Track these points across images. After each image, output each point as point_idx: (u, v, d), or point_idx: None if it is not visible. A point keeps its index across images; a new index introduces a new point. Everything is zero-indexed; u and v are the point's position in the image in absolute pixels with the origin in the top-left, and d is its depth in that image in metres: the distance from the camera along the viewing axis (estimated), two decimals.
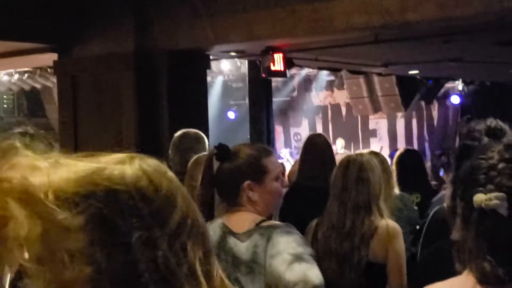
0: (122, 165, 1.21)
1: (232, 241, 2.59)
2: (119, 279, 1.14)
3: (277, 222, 2.69)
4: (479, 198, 1.62)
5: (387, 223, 3.52)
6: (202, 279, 1.20)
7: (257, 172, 2.66)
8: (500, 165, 1.66)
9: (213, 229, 2.62)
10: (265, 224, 2.59)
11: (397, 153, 5.49)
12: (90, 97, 7.01)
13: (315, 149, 4.63)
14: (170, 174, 1.25)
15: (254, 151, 2.70)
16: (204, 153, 3.80)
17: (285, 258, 2.45)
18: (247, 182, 2.63)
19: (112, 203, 1.15)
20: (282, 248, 2.48)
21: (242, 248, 2.57)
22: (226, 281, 1.26)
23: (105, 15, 6.99)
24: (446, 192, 4.03)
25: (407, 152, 5.54)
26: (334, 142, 17.73)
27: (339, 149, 16.34)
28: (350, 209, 3.51)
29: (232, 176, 2.65)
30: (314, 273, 2.44)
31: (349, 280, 3.48)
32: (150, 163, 1.23)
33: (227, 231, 2.62)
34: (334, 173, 3.65)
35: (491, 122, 3.21)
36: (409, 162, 5.18)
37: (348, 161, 3.63)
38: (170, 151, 4.50)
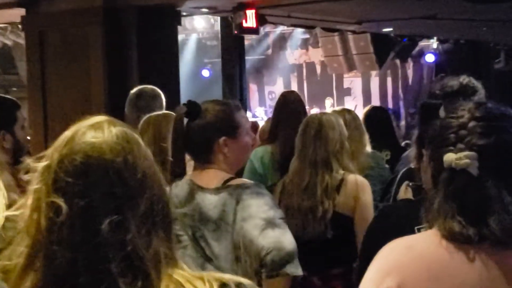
0: (98, 133, 1.20)
1: (199, 197, 2.57)
2: (88, 260, 1.14)
3: (246, 181, 2.65)
4: (449, 157, 1.59)
5: (356, 177, 3.58)
6: (165, 264, 1.20)
7: (231, 127, 2.63)
8: (471, 124, 1.63)
9: (181, 185, 2.61)
10: (234, 182, 2.57)
11: (364, 111, 5.49)
12: (58, 52, 6.88)
13: (288, 107, 4.59)
14: (145, 150, 1.25)
15: (224, 107, 2.66)
16: (159, 112, 3.69)
17: (257, 223, 2.45)
18: (223, 138, 2.60)
19: (89, 182, 1.16)
20: (254, 211, 2.47)
21: (209, 204, 2.54)
22: (186, 267, 1.26)
23: None
24: (407, 153, 4.04)
25: (374, 109, 5.54)
26: (310, 100, 17.74)
27: (328, 108, 16.34)
28: (308, 165, 3.56)
29: (205, 133, 2.61)
30: (287, 239, 2.45)
31: (314, 234, 3.52)
32: (128, 134, 1.23)
33: (194, 187, 2.59)
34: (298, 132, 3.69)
35: (464, 79, 3.20)
36: (377, 119, 5.19)
37: (307, 120, 3.69)
38: (126, 108, 4.39)
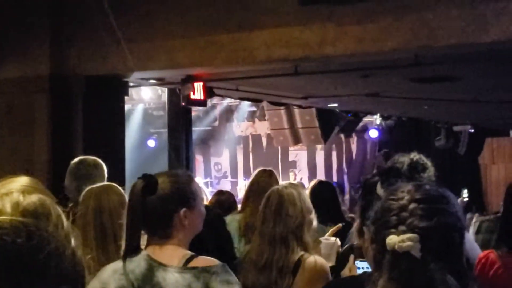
0: (2, 204, 1.12)
1: (160, 275, 2.46)
2: None
3: (211, 262, 2.52)
4: (392, 240, 1.60)
5: (315, 260, 3.43)
6: None
7: (189, 198, 2.59)
8: (411, 206, 1.64)
9: (137, 261, 2.50)
10: (198, 263, 2.47)
11: (310, 185, 5.53)
12: (3, 120, 6.80)
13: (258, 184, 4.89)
14: (55, 219, 1.15)
15: (180, 178, 2.62)
16: (100, 184, 3.58)
17: None
18: (183, 209, 2.55)
19: None
20: None
21: (171, 284, 2.44)
22: None
23: (21, 38, 6.81)
24: (353, 229, 4.06)
25: (320, 184, 5.58)
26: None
27: (291, 180, 16.42)
28: (267, 242, 3.46)
29: (164, 207, 2.54)
30: None
31: None
32: (36, 204, 1.13)
33: (155, 264, 2.48)
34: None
35: (414, 155, 3.26)
36: (323, 193, 5.23)
37: (269, 194, 3.58)
38: (66, 179, 4.32)
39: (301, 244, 3.46)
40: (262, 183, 4.91)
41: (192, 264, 2.47)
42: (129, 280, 2.45)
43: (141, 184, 2.53)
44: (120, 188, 3.44)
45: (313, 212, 4.44)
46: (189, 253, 2.54)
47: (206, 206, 4.69)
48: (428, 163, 3.24)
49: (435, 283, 1.56)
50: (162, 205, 2.54)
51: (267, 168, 5.25)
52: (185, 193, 2.58)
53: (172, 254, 2.51)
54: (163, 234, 2.55)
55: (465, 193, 10.76)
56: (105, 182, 3.80)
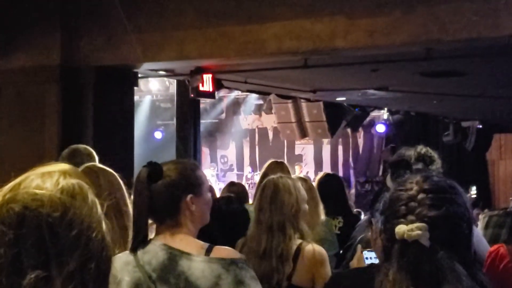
0: (45, 183, 1.18)
1: (185, 263, 2.41)
2: None
3: (234, 253, 2.51)
4: (401, 229, 1.62)
5: (314, 247, 3.50)
6: None
7: (195, 184, 2.57)
8: (420, 196, 1.67)
9: (153, 252, 2.45)
10: (221, 253, 2.44)
11: (317, 178, 5.53)
12: (14, 109, 6.83)
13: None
14: (92, 208, 1.22)
15: (185, 165, 2.62)
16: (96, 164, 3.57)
17: None
18: (189, 195, 2.53)
19: (20, 233, 1.14)
20: None
21: (197, 273, 2.39)
22: None
23: (33, 27, 6.83)
24: (360, 221, 4.07)
25: (327, 177, 5.58)
26: (261, 165, 17.76)
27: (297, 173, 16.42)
28: (264, 230, 3.51)
29: (171, 192, 2.52)
30: None
31: None
32: (76, 189, 1.20)
33: (176, 253, 2.43)
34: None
35: (421, 148, 3.27)
36: (330, 186, 5.21)
37: (264, 184, 3.65)
38: (66, 161, 4.32)
39: (297, 231, 3.52)
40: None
41: (214, 254, 2.44)
42: (144, 272, 2.41)
43: (146, 172, 2.52)
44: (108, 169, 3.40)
45: (322, 207, 4.48)
46: (204, 243, 2.51)
47: (229, 197, 4.71)
48: (435, 155, 3.25)
49: (443, 271, 1.58)
50: (168, 191, 2.52)
51: (279, 160, 5.24)
52: (190, 180, 2.57)
53: (187, 243, 2.48)
54: (172, 222, 2.52)
55: (473, 189, 10.76)
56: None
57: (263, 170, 5.16)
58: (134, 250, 2.47)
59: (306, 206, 3.66)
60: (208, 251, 2.44)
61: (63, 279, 1.14)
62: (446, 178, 1.76)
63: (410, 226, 1.60)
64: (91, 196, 1.23)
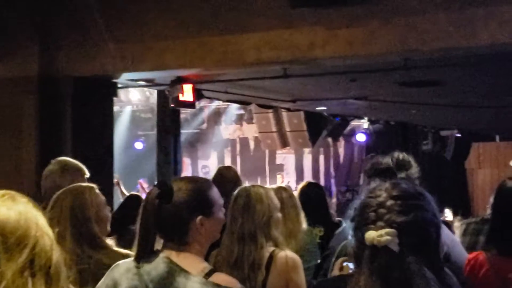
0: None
1: (181, 280, 2.40)
2: None
3: (233, 282, 2.49)
4: (371, 235, 1.66)
5: (286, 254, 3.50)
6: None
7: (206, 205, 2.54)
8: (389, 202, 1.71)
9: (155, 263, 2.46)
10: (219, 279, 2.44)
11: (300, 186, 5.55)
12: None
13: (225, 183, 4.64)
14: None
15: (197, 185, 2.57)
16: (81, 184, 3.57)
17: None
18: (199, 217, 2.50)
19: None
20: None
21: None
22: None
23: (10, 38, 6.80)
24: (339, 229, 4.10)
25: (309, 186, 5.61)
26: (243, 175, 17.74)
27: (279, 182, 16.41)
28: (236, 239, 3.52)
29: (181, 213, 2.49)
30: None
31: None
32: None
33: (176, 269, 2.43)
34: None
35: (398, 154, 3.31)
36: (311, 195, 5.24)
37: (237, 193, 3.65)
38: (45, 181, 4.25)
39: (270, 240, 3.53)
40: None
41: (213, 279, 2.42)
42: (143, 281, 2.42)
43: (156, 192, 2.48)
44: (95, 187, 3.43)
45: (303, 215, 4.49)
46: (208, 266, 2.51)
47: None
48: (412, 160, 3.31)
49: (412, 276, 1.61)
50: (177, 213, 2.49)
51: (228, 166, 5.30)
52: (202, 200, 2.53)
53: (190, 262, 2.47)
54: (179, 240, 2.50)
55: (447, 212, 10.70)
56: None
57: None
58: (138, 259, 2.47)
59: (279, 214, 3.67)
60: (208, 275, 2.43)
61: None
62: (414, 185, 1.83)
63: (380, 232, 1.64)
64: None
